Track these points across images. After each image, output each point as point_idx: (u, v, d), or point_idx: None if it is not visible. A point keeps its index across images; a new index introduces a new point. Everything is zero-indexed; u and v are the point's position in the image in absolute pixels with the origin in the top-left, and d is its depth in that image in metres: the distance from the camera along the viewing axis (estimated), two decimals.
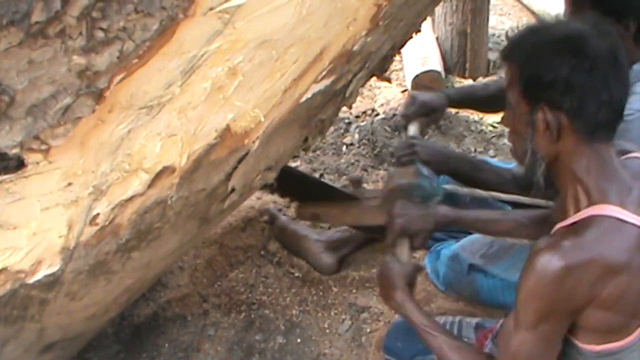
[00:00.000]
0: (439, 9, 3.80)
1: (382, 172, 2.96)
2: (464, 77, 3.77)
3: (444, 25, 3.79)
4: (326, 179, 2.84)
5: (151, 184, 1.29)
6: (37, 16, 1.07)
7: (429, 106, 2.28)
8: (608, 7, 1.73)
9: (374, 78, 2.65)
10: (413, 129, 2.26)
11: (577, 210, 1.34)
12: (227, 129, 1.31)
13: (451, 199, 2.04)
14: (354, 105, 3.36)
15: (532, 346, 1.30)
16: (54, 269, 1.29)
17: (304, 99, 1.38)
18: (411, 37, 1.83)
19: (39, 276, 1.28)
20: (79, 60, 1.12)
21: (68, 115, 1.16)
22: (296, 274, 2.40)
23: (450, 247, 2.25)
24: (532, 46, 1.35)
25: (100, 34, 1.11)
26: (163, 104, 1.22)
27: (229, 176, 1.43)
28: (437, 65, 3.57)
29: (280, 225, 2.51)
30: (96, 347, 2.10)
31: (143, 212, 1.33)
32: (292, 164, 2.84)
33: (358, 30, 1.35)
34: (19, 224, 1.23)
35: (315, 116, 1.55)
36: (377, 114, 3.33)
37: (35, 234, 1.24)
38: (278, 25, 1.23)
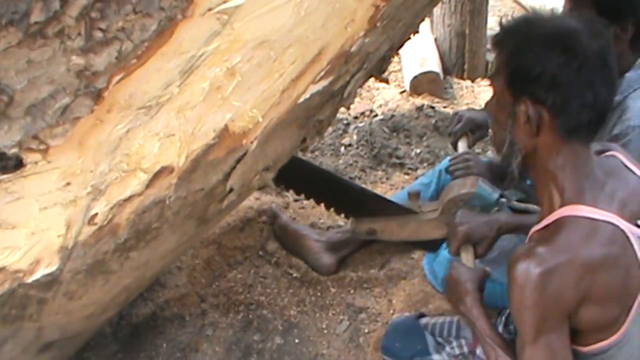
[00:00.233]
0: (437, 10, 3.81)
1: (380, 173, 2.97)
2: (462, 78, 3.77)
3: (442, 26, 3.80)
4: None
5: (149, 184, 1.30)
6: (36, 16, 1.07)
7: (475, 123, 2.28)
8: (608, 6, 1.73)
9: (372, 79, 2.65)
10: (463, 145, 2.27)
11: (551, 210, 1.35)
12: (226, 129, 1.31)
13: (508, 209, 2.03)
14: (352, 106, 3.37)
15: (540, 359, 1.29)
16: (52, 268, 1.29)
17: (302, 99, 1.38)
18: (409, 38, 1.83)
19: (37, 276, 1.28)
20: (77, 60, 1.12)
21: (67, 115, 1.16)
22: (294, 275, 2.40)
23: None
24: (523, 37, 1.34)
25: (99, 34, 1.12)
26: (161, 104, 1.23)
27: (227, 176, 1.43)
28: (435, 66, 3.58)
29: (281, 224, 2.51)
30: (94, 347, 2.10)
31: (141, 212, 1.33)
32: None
33: (356, 31, 1.35)
34: (17, 223, 1.23)
35: (313, 117, 1.55)
36: (376, 115, 3.33)
37: (33, 234, 1.25)
38: (276, 26, 1.24)
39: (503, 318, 1.70)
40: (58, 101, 1.14)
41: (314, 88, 1.39)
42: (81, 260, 1.33)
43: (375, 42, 1.46)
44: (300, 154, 2.57)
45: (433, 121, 3.27)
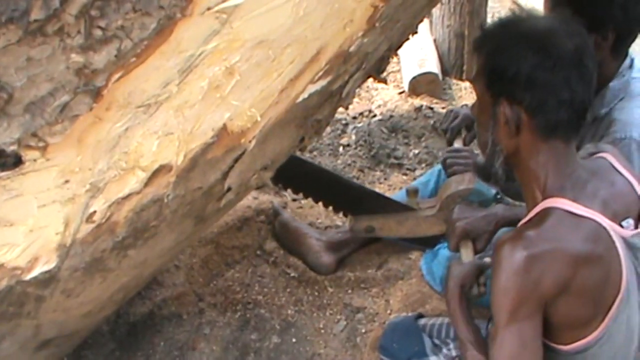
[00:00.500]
0: (436, 11, 3.81)
1: (378, 174, 2.97)
2: (461, 79, 3.78)
3: (441, 27, 3.80)
4: None
5: (148, 182, 1.30)
6: (36, 14, 1.08)
7: (471, 120, 2.28)
8: (588, 14, 1.74)
9: (371, 79, 2.65)
10: (459, 142, 2.28)
11: (534, 205, 1.36)
12: (224, 128, 1.31)
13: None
14: (351, 107, 3.38)
15: (511, 346, 1.29)
16: (51, 266, 1.29)
17: (300, 99, 1.39)
18: (408, 39, 1.83)
19: (35, 273, 1.29)
20: (77, 58, 1.12)
21: (66, 113, 1.17)
22: (292, 274, 2.40)
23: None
24: (499, 39, 1.37)
25: (98, 33, 1.12)
26: (160, 102, 1.23)
27: (225, 175, 1.43)
28: (434, 67, 3.58)
29: (282, 222, 2.51)
30: (92, 345, 2.10)
31: (139, 210, 1.34)
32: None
33: (355, 31, 1.36)
34: (16, 220, 1.23)
35: (311, 116, 1.55)
36: (374, 116, 3.34)
37: (32, 231, 1.25)
38: (275, 25, 1.24)
39: None
40: (57, 99, 1.15)
41: (313, 88, 1.39)
42: (79, 258, 1.34)
43: (374, 43, 1.46)
44: (298, 154, 2.58)
45: (432, 122, 3.27)
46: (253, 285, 2.35)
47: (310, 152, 3.05)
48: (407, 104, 3.42)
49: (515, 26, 1.38)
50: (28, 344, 1.54)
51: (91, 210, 1.28)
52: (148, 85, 1.20)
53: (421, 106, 3.37)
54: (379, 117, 3.31)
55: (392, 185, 2.88)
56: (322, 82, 1.40)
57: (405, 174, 2.96)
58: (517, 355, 1.28)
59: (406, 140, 3.18)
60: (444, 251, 2.26)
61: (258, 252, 2.48)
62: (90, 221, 1.29)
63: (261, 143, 1.41)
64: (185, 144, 1.29)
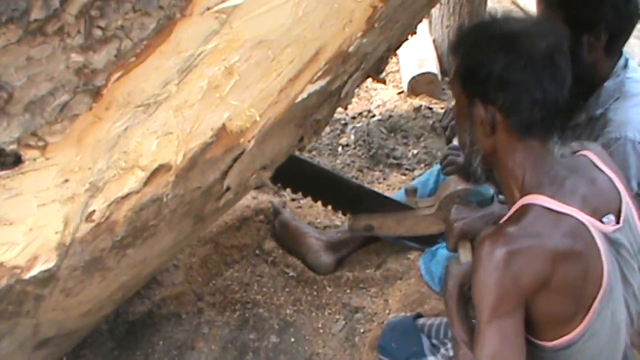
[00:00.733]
0: (436, 12, 3.81)
1: (377, 174, 2.98)
2: None
3: (440, 27, 3.80)
4: None
5: (147, 182, 1.30)
6: (36, 14, 1.08)
7: None
8: (579, 16, 1.75)
9: (370, 80, 2.66)
10: (455, 142, 2.27)
11: (514, 204, 1.38)
12: (223, 127, 1.31)
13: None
14: (350, 107, 3.38)
15: (492, 342, 1.29)
16: (50, 265, 1.29)
17: (299, 99, 1.39)
18: (407, 39, 1.84)
19: (34, 272, 1.29)
20: (77, 58, 1.12)
21: (65, 112, 1.17)
22: (291, 274, 2.40)
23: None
24: (473, 41, 1.40)
25: (98, 32, 1.12)
26: (160, 102, 1.23)
27: (224, 175, 1.44)
28: (433, 67, 3.58)
29: (282, 221, 2.51)
30: (91, 344, 2.10)
31: (139, 209, 1.34)
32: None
33: (354, 32, 1.36)
34: (15, 219, 1.24)
35: (310, 116, 1.56)
36: (373, 116, 3.34)
37: (31, 230, 1.25)
38: (274, 25, 1.24)
39: None
40: (57, 98, 1.15)
41: (312, 88, 1.39)
42: (78, 257, 1.34)
43: (373, 43, 1.47)
44: (297, 153, 2.58)
45: (431, 122, 3.28)
46: (252, 285, 2.36)
47: (310, 151, 3.06)
48: (406, 104, 3.42)
49: (488, 28, 1.41)
50: (27, 343, 1.54)
51: (90, 209, 1.28)
52: (147, 85, 1.20)
53: (420, 106, 3.38)
54: (378, 117, 3.31)
55: (391, 185, 2.88)
56: (321, 82, 1.41)
57: (404, 174, 2.96)
58: (500, 351, 1.29)
59: (405, 140, 3.18)
60: (442, 251, 2.26)
61: (257, 252, 2.48)
62: (90, 220, 1.29)
63: (260, 143, 1.42)
64: (185, 144, 1.29)
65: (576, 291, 1.32)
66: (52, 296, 1.39)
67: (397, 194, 2.53)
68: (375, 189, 2.79)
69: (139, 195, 1.32)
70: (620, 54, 1.91)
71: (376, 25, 1.39)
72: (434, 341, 1.83)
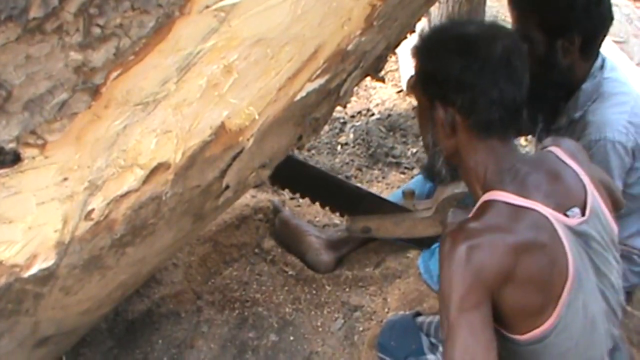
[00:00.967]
0: (435, 11, 3.80)
1: (376, 172, 2.98)
2: None
3: None
4: None
5: (146, 180, 1.30)
6: (35, 12, 1.08)
7: None
8: (552, 22, 1.76)
9: (369, 78, 2.66)
10: None
11: (477, 201, 1.40)
12: (222, 126, 1.31)
13: None
14: (349, 105, 3.38)
15: (460, 337, 1.30)
16: (49, 263, 1.29)
17: (298, 97, 1.39)
18: (406, 38, 1.84)
19: (34, 270, 1.29)
20: (75, 56, 1.13)
21: (64, 111, 1.17)
22: (290, 272, 2.41)
23: None
24: (431, 45, 1.44)
25: (97, 31, 1.12)
26: (158, 100, 1.23)
27: (223, 173, 1.44)
28: None
29: (282, 219, 2.51)
30: (90, 343, 2.11)
31: (138, 207, 1.34)
32: None
33: (352, 30, 1.36)
34: (14, 218, 1.24)
35: (309, 114, 1.56)
36: (373, 114, 3.34)
37: (30, 228, 1.25)
38: (273, 23, 1.24)
39: None
40: (56, 97, 1.15)
41: (311, 86, 1.40)
42: (78, 255, 1.34)
43: (372, 41, 1.47)
44: (296, 152, 2.58)
45: None
46: (251, 284, 2.36)
47: (308, 150, 3.06)
48: (405, 103, 3.43)
49: (446, 32, 1.47)
50: (26, 341, 1.54)
51: (90, 208, 1.29)
52: (146, 83, 1.21)
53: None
54: (377, 116, 3.31)
55: (390, 184, 2.89)
56: (320, 81, 1.41)
57: (403, 173, 2.97)
58: (469, 345, 1.29)
59: (404, 139, 3.18)
60: None
61: (256, 251, 2.49)
62: (89, 219, 1.29)
63: (259, 141, 1.42)
64: (184, 142, 1.29)
65: (542, 283, 1.33)
66: (52, 294, 1.39)
67: (395, 193, 2.53)
68: (374, 188, 2.80)
69: (138, 194, 1.32)
70: (597, 55, 1.92)
71: (375, 23, 1.39)
72: (433, 340, 1.83)
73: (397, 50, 3.63)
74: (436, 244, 2.30)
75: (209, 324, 2.22)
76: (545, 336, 1.36)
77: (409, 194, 2.28)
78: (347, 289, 2.36)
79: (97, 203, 1.28)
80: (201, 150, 1.32)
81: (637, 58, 3.66)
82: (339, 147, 3.14)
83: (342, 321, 2.25)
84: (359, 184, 2.75)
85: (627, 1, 4.50)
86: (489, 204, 1.36)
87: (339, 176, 2.86)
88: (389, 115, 3.31)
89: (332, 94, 1.56)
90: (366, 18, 1.36)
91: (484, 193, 1.39)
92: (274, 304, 2.29)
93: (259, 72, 1.29)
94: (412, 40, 2.11)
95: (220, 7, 1.19)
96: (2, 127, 1.14)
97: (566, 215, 1.37)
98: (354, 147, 3.11)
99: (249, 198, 2.64)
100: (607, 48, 3.51)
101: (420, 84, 1.46)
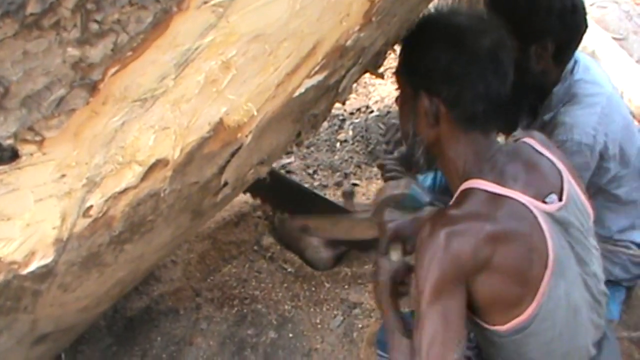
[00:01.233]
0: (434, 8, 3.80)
1: (375, 170, 2.98)
2: None
3: None
4: (320, 175, 2.85)
5: (144, 177, 1.30)
6: (32, 8, 1.07)
7: None
8: (526, 29, 1.77)
9: (368, 75, 2.66)
10: (403, 149, 2.29)
11: (456, 191, 1.41)
12: (220, 122, 1.31)
13: None
14: (348, 102, 3.38)
15: (433, 322, 1.30)
16: (47, 260, 1.29)
17: (297, 93, 1.39)
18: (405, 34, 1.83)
19: (32, 267, 1.28)
20: (73, 52, 1.12)
21: (62, 107, 1.16)
22: (289, 270, 2.41)
23: None
24: (419, 35, 1.44)
25: (94, 26, 1.12)
26: (157, 96, 1.23)
27: (222, 170, 1.43)
28: None
29: (281, 217, 2.52)
30: (89, 340, 2.11)
31: (136, 204, 1.34)
32: (286, 160, 2.85)
33: (351, 26, 1.36)
34: (12, 215, 1.23)
35: (308, 111, 1.55)
36: (372, 111, 3.34)
37: (28, 225, 1.25)
38: (271, 19, 1.24)
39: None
40: (54, 93, 1.14)
41: (309, 82, 1.39)
42: (76, 252, 1.33)
43: (371, 37, 1.46)
44: (295, 149, 2.58)
45: None
46: (250, 281, 2.36)
47: (307, 147, 3.06)
48: None
49: (435, 22, 1.45)
50: (25, 339, 1.54)
51: (88, 204, 1.28)
52: (144, 80, 1.20)
53: None
54: (376, 113, 3.31)
55: None
56: (319, 77, 1.40)
57: None
58: (439, 332, 1.29)
59: None
60: None
61: (255, 248, 2.49)
62: (87, 215, 1.29)
63: (258, 138, 1.41)
64: (182, 139, 1.29)
65: (520, 272, 1.33)
66: (50, 292, 1.39)
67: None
68: (374, 185, 2.80)
69: (137, 191, 1.31)
70: (569, 61, 1.93)
71: (374, 19, 1.39)
72: None
73: (397, 47, 3.62)
74: None
75: (208, 321, 2.22)
76: (525, 326, 1.36)
77: (348, 194, 2.28)
78: (346, 286, 2.37)
79: (96, 200, 1.28)
80: (199, 147, 1.32)
81: (637, 55, 3.66)
82: (338, 144, 3.14)
83: (341, 318, 2.25)
84: (300, 182, 2.75)
85: None
86: (468, 192, 1.36)
87: (338, 173, 2.86)
88: (388, 112, 3.30)
89: (331, 91, 1.55)
90: (365, 14, 1.35)
91: (462, 182, 1.39)
92: (273, 301, 2.30)
93: (258, 68, 1.29)
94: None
95: (218, 2, 1.18)
96: None
97: (545, 202, 1.37)
98: (353, 144, 3.11)
99: (248, 195, 2.64)
100: (606, 45, 3.52)
101: (405, 73, 1.46)
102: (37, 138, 1.17)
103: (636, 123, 2.29)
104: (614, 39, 3.70)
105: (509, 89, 1.41)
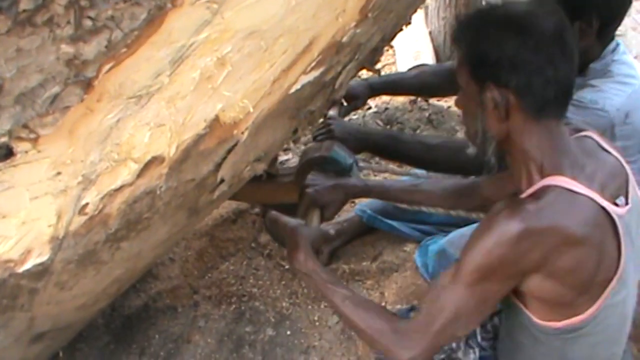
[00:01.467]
0: (432, 3, 3.80)
1: (373, 165, 2.97)
2: None
3: (436, 19, 3.79)
4: None
5: (140, 174, 1.29)
6: (25, 4, 1.07)
7: (349, 93, 2.29)
8: (572, 4, 1.75)
9: (366, 72, 2.65)
10: (332, 113, 2.26)
11: (530, 185, 1.36)
12: (216, 119, 1.31)
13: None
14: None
15: (465, 302, 1.29)
16: (43, 258, 1.29)
17: (293, 90, 1.38)
18: (401, 30, 1.83)
19: (28, 265, 1.28)
20: (67, 49, 1.11)
21: (56, 104, 1.16)
22: (287, 267, 2.40)
23: (438, 242, 2.26)
24: (479, 27, 1.38)
25: (88, 23, 1.11)
26: (152, 93, 1.22)
27: (218, 167, 1.43)
28: (429, 59, 3.58)
29: (271, 217, 2.51)
30: (87, 338, 2.11)
31: (132, 202, 1.33)
32: (284, 157, 2.85)
33: (347, 22, 1.35)
34: (8, 213, 1.23)
35: (304, 107, 1.55)
36: (369, 108, 3.34)
37: (24, 223, 1.24)
38: (267, 15, 1.23)
39: None
40: (48, 90, 1.14)
41: (305, 78, 1.39)
42: (72, 250, 1.33)
43: (367, 33, 1.46)
44: (292, 145, 2.57)
45: (427, 114, 3.27)
46: (248, 278, 2.36)
47: (305, 144, 3.05)
48: (402, 97, 3.42)
49: (493, 13, 1.40)
50: (22, 337, 1.54)
51: (83, 202, 1.28)
52: (139, 76, 1.20)
53: (416, 98, 3.37)
54: (374, 110, 3.31)
55: (386, 178, 2.88)
56: (315, 73, 1.40)
57: (400, 166, 2.96)
58: (467, 313, 1.30)
59: None
60: (433, 247, 2.27)
61: (253, 245, 2.48)
62: (83, 213, 1.29)
63: (254, 134, 1.41)
64: (178, 136, 1.28)
65: (582, 280, 1.31)
66: (47, 290, 1.39)
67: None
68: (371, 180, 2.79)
69: (132, 188, 1.31)
70: (612, 39, 1.92)
71: (370, 15, 1.38)
72: None
73: (394, 43, 3.62)
74: (430, 241, 2.29)
75: (206, 319, 2.21)
76: (581, 327, 1.35)
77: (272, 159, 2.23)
78: (344, 283, 2.36)
79: (91, 197, 1.28)
80: (195, 144, 1.32)
81: (636, 51, 3.66)
82: None
83: None
84: None
85: None
86: (548, 188, 1.32)
87: None
88: (386, 109, 3.30)
89: (327, 87, 1.55)
90: (361, 9, 1.35)
91: (542, 177, 1.34)
92: (270, 298, 2.29)
93: (253, 64, 1.28)
94: (408, 32, 2.11)
95: None
96: None
97: (616, 205, 1.34)
98: None
99: None
100: None
101: (468, 68, 1.39)
102: (32, 136, 1.17)
103: None
104: None
105: (576, 70, 1.37)
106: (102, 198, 1.29)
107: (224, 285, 2.32)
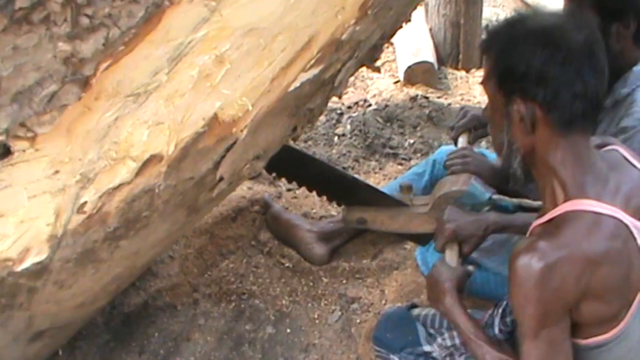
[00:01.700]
0: (432, 0, 3.79)
1: (373, 163, 2.97)
2: (457, 68, 3.77)
3: (437, 16, 3.79)
4: None
5: (139, 172, 1.29)
6: (22, 2, 1.06)
7: (479, 120, 2.27)
8: (609, 5, 1.73)
9: (366, 69, 2.64)
10: (463, 141, 2.27)
11: (554, 205, 1.34)
12: (215, 117, 1.30)
13: (499, 209, 2.02)
14: (346, 96, 3.36)
15: (541, 354, 1.29)
16: (42, 257, 1.29)
17: (292, 87, 1.38)
18: (401, 27, 1.82)
19: (26, 264, 1.28)
20: (64, 47, 1.11)
21: (54, 103, 1.16)
22: (286, 264, 2.40)
23: None
24: (508, 38, 1.36)
25: (85, 21, 1.11)
26: (150, 91, 1.22)
27: (217, 165, 1.43)
28: (430, 56, 3.57)
29: (273, 214, 2.51)
30: (86, 336, 2.10)
31: (131, 200, 1.33)
32: None
33: (347, 19, 1.35)
34: (6, 211, 1.23)
35: (304, 105, 1.55)
36: (370, 105, 3.33)
37: (22, 222, 1.24)
38: (265, 13, 1.23)
39: (500, 310, 1.70)
40: (45, 88, 1.14)
41: (304, 76, 1.38)
42: (71, 249, 1.33)
43: (366, 30, 1.45)
44: (292, 144, 2.57)
45: (427, 111, 3.26)
46: (247, 276, 2.35)
47: (305, 141, 3.05)
48: (403, 94, 3.41)
49: (522, 24, 1.37)
50: (21, 336, 1.54)
51: (82, 200, 1.28)
52: (137, 74, 1.19)
53: (416, 95, 3.37)
54: (374, 107, 3.30)
55: (387, 175, 2.87)
56: (314, 71, 1.40)
57: (401, 164, 2.96)
58: (549, 355, 1.29)
59: (401, 130, 3.17)
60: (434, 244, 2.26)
61: (252, 243, 2.48)
62: (81, 212, 1.28)
63: (253, 132, 1.41)
64: (176, 134, 1.28)
65: (619, 291, 1.30)
66: (45, 288, 1.39)
67: (391, 184, 2.52)
68: (371, 179, 2.79)
69: (131, 186, 1.31)
70: None
71: (369, 12, 1.38)
72: (431, 330, 1.82)
73: (394, 40, 3.61)
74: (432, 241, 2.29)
75: (206, 317, 2.21)
76: (606, 343, 1.34)
77: (406, 188, 2.26)
78: (344, 281, 2.36)
79: (90, 196, 1.28)
80: (194, 142, 1.31)
81: None
82: (335, 138, 3.13)
83: (339, 313, 2.24)
84: (356, 175, 2.74)
85: None
86: (570, 215, 1.30)
87: (335, 166, 2.84)
88: (386, 106, 3.29)
89: (327, 85, 1.54)
90: (360, 7, 1.34)
91: (565, 199, 1.33)
92: (270, 296, 2.29)
93: (252, 62, 1.28)
94: (409, 29, 2.11)
95: None
96: None
97: None
98: (350, 138, 3.10)
99: (245, 190, 2.63)
100: None
101: (496, 79, 1.37)
102: (30, 134, 1.17)
103: None
104: None
105: (606, 85, 1.35)
106: (101, 196, 1.29)
107: (224, 283, 2.31)
